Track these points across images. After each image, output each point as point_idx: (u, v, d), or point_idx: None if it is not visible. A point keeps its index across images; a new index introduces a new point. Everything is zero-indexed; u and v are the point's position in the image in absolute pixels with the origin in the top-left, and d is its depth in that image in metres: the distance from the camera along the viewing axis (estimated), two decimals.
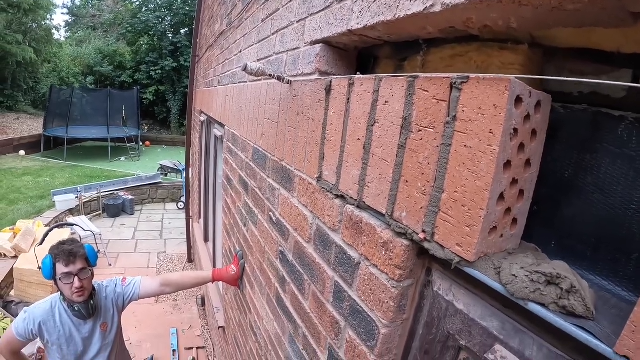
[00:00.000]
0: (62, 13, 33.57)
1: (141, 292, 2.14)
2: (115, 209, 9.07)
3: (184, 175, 9.94)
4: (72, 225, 2.25)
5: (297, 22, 1.20)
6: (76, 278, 1.86)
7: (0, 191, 9.55)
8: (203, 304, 5.10)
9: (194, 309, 5.26)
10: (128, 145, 15.85)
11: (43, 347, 2.15)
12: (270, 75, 1.15)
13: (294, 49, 1.22)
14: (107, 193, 9.39)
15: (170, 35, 20.99)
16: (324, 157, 0.96)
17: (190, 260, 6.61)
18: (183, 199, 9.68)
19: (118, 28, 24.64)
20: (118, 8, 26.88)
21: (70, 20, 31.73)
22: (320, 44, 1.04)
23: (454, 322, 0.68)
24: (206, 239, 4.43)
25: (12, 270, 5.41)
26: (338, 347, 0.93)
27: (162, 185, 10.38)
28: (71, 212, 8.44)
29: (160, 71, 19.97)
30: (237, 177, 1.90)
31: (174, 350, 4.34)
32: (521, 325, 0.57)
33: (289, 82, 1.19)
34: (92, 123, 16.86)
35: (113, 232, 7.78)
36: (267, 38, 1.53)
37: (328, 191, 0.94)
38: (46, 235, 2.53)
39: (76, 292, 1.87)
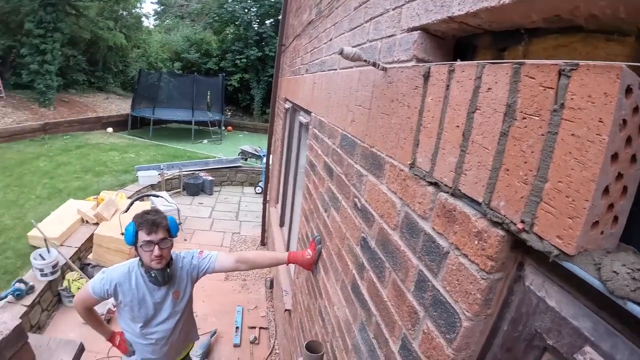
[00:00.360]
0: (152, 2, 35.75)
1: (216, 266, 2.24)
2: (194, 188, 9.51)
3: (264, 160, 10.25)
4: (157, 196, 2.41)
5: (393, 9, 1.20)
6: (156, 246, 1.97)
7: (88, 163, 10.31)
8: (271, 286, 5.23)
9: (261, 290, 5.43)
10: (211, 129, 16.54)
11: (113, 309, 2.31)
12: (365, 60, 1.17)
13: (389, 36, 1.22)
14: (188, 172, 9.89)
15: (255, 25, 21.53)
16: (418, 144, 0.96)
17: (263, 243, 6.80)
18: (261, 183, 9.95)
19: (205, 17, 25.58)
20: None
21: (159, 9, 33.63)
22: (418, 31, 1.03)
23: (543, 319, 0.66)
24: (282, 224, 4.55)
25: (92, 235, 5.82)
26: (413, 337, 0.93)
27: (241, 169, 10.72)
28: (153, 187, 8.96)
29: (245, 60, 20.60)
30: (322, 163, 1.94)
31: (237, 327, 4.50)
32: (614, 327, 0.55)
33: (384, 69, 1.20)
34: (178, 106, 17.81)
35: (191, 210, 8.15)
36: (359, 26, 1.54)
37: (421, 178, 0.94)
38: (131, 204, 2.70)
39: (155, 260, 1.99)
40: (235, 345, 4.28)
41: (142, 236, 1.97)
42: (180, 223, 2.11)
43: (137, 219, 2.02)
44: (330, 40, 2.06)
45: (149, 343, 2.23)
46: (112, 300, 2.13)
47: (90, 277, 5.15)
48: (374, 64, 1.18)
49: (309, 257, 2.02)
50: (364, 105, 1.37)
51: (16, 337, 1.65)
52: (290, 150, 4.16)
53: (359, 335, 1.31)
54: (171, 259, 2.13)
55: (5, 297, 4.22)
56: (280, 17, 20.04)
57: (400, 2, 1.14)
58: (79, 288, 4.77)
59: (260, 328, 4.57)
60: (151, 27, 28.47)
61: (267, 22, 21.72)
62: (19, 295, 4.24)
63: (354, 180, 1.44)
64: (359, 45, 1.52)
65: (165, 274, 2.08)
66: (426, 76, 0.93)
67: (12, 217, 6.55)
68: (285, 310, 3.10)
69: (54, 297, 4.80)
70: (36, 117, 13.65)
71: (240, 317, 4.70)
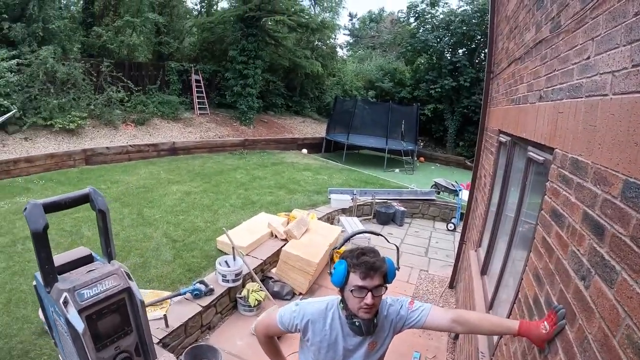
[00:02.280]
0: (344, 34, 38.45)
1: (427, 322, 1.89)
2: (385, 217, 9.46)
3: (460, 196, 9.70)
4: (377, 234, 2.26)
5: None
6: (369, 294, 1.72)
7: (282, 180, 11.04)
8: (456, 337, 4.79)
9: (443, 338, 5.02)
10: (404, 158, 16.62)
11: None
12: None
13: None
14: (380, 200, 9.83)
15: (448, 54, 21.29)
16: None
17: (451, 286, 6.34)
18: (454, 220, 9.45)
19: (397, 47, 26.43)
20: (396, 29, 28.80)
21: (351, 41, 35.88)
22: None
23: None
24: (483, 272, 4.04)
25: (278, 250, 6.03)
26: None
27: (435, 202, 10.42)
28: (344, 211, 9.12)
29: (439, 89, 20.42)
30: (579, 215, 1.50)
31: None
32: None
33: None
34: (371, 133, 18.49)
35: (379, 239, 8.24)
36: None
37: None
38: (346, 240, 2.55)
39: (364, 309, 1.75)
40: None
41: (355, 280, 1.74)
42: (398, 268, 1.85)
43: (352, 259, 1.79)
44: (589, 58, 1.63)
45: None
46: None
47: (270, 291, 5.37)
48: None
49: (544, 332, 1.55)
50: None
51: None
52: (504, 189, 3.68)
53: None
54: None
55: (184, 293, 4.61)
56: (473, 46, 19.53)
57: None
58: (257, 299, 5.00)
59: None
60: (344, 57, 30.40)
61: (460, 50, 21.29)
62: (197, 295, 4.61)
63: None
64: None
65: (372, 325, 1.83)
66: None
67: (205, 220, 7.28)
68: None
69: (230, 303, 5.09)
70: (237, 134, 15.68)
71: None
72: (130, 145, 11.67)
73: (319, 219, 7.78)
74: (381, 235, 2.60)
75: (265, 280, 5.67)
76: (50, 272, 1.70)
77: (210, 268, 5.45)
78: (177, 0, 17.49)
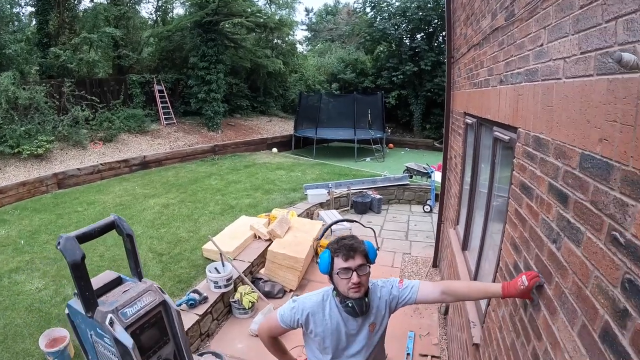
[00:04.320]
0: (302, 30, 38.72)
1: (418, 297, 2.06)
2: (363, 206, 9.66)
3: (433, 178, 9.98)
4: (352, 221, 2.44)
5: None
6: (354, 273, 1.87)
7: (257, 182, 11.11)
8: (446, 312, 4.97)
9: (434, 315, 5.22)
10: (374, 146, 16.82)
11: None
12: None
13: None
14: (356, 190, 10.03)
15: (407, 41, 21.61)
16: None
17: (434, 265, 6.56)
18: (430, 202, 9.72)
19: (356, 38, 26.61)
20: (353, 20, 28.99)
21: (310, 35, 36.01)
22: None
23: None
24: (464, 247, 4.26)
25: (264, 251, 6.17)
26: None
27: (409, 187, 10.63)
28: (321, 205, 9.30)
29: (401, 76, 20.67)
30: (545, 187, 1.69)
31: (407, 354, 4.36)
32: None
33: None
34: (339, 125, 18.74)
35: (359, 229, 8.47)
36: (595, 27, 1.30)
37: None
38: (326, 230, 2.69)
39: (353, 288, 1.89)
40: None
41: (339, 263, 1.91)
42: (378, 249, 2.02)
43: (333, 245, 1.96)
44: (542, 45, 1.82)
45: None
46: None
47: (261, 291, 5.49)
48: None
49: (523, 287, 1.70)
50: (623, 121, 1.12)
51: None
52: (475, 168, 3.88)
53: None
54: (368, 288, 2.03)
55: (179, 305, 4.64)
56: (431, 30, 19.80)
57: None
58: (250, 301, 5.11)
59: (433, 357, 4.39)
60: (304, 52, 30.47)
61: (418, 35, 21.62)
62: (192, 305, 4.68)
63: (610, 210, 1.19)
64: (598, 49, 1.28)
65: (363, 304, 1.97)
66: None
67: (187, 230, 7.29)
68: (473, 344, 2.82)
69: (225, 308, 5.18)
70: (205, 140, 15.67)
71: (411, 343, 4.57)
72: (101, 164, 11.54)
73: (299, 215, 7.93)
74: (356, 222, 2.77)
75: (255, 281, 5.77)
76: (91, 298, 1.83)
77: (200, 277, 5.50)
78: (132, 12, 17.34)
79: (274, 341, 2.27)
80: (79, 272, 1.72)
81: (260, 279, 5.87)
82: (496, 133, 2.75)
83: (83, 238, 1.79)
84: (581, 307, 1.33)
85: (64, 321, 4.38)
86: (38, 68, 13.00)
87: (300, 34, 42.03)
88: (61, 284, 5.24)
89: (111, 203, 9.09)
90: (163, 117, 15.90)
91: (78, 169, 10.88)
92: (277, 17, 19.99)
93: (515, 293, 1.76)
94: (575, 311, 1.37)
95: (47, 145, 10.83)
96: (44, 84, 12.05)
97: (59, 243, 1.69)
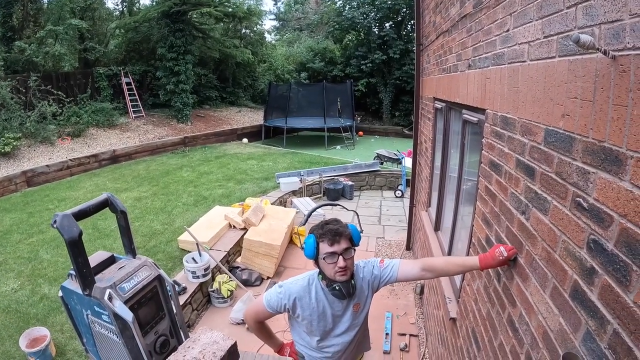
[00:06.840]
0: (270, 19, 38.38)
1: (399, 276, 2.11)
2: (335, 193, 9.78)
3: (403, 164, 10.17)
4: (335, 205, 2.53)
5: None
6: (340, 257, 1.91)
7: (229, 172, 11.13)
8: (421, 292, 5.13)
9: (410, 296, 5.37)
10: (344, 134, 16.93)
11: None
12: (597, 49, 1.07)
13: (612, 22, 1.10)
14: (327, 178, 10.17)
15: (376, 29, 21.71)
16: None
17: (408, 248, 6.76)
18: (401, 187, 9.91)
19: (325, 27, 26.53)
20: (322, 9, 28.88)
21: (278, 25, 35.71)
22: None
23: None
24: (437, 228, 4.41)
25: (239, 240, 6.23)
26: None
27: (380, 173, 10.81)
28: (294, 193, 9.41)
29: (370, 64, 20.84)
30: (513, 162, 1.81)
31: (386, 334, 4.47)
32: None
33: (613, 57, 1.08)
34: (309, 114, 18.72)
35: (333, 215, 8.57)
36: (557, 12, 1.41)
37: None
38: (309, 215, 2.73)
39: (339, 272, 1.94)
40: (385, 352, 4.26)
41: (325, 248, 1.94)
42: (361, 231, 2.08)
43: (317, 230, 1.99)
44: (508, 31, 1.93)
45: (324, 356, 2.22)
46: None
47: (239, 279, 5.55)
48: (604, 52, 1.07)
49: (502, 257, 1.77)
50: (583, 97, 1.24)
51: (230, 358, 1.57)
52: (445, 150, 4.02)
53: (582, 345, 1.18)
54: (353, 270, 2.08)
55: None
56: (399, 19, 19.85)
57: None
58: (229, 290, 5.16)
59: (410, 335, 4.52)
60: (273, 42, 30.24)
61: (387, 24, 21.78)
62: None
63: (573, 178, 1.31)
64: (560, 33, 1.39)
65: (350, 286, 2.02)
66: None
67: (162, 222, 7.28)
68: (450, 318, 2.95)
69: (204, 298, 5.22)
70: (175, 132, 15.51)
71: (389, 323, 4.68)
72: (70, 160, 11.24)
73: (272, 203, 7.98)
74: (338, 205, 2.84)
75: (232, 270, 5.81)
76: (89, 275, 1.85)
77: (177, 268, 5.50)
78: (97, 3, 16.84)
79: (260, 325, 2.31)
80: (77, 249, 1.73)
81: (238, 267, 5.91)
82: (465, 115, 2.88)
83: (79, 215, 1.81)
84: (551, 271, 1.45)
85: (42, 320, 4.35)
86: (2, 63, 12.49)
87: (268, 23, 41.57)
88: (37, 284, 5.14)
89: (83, 199, 8.85)
90: (132, 110, 15.61)
91: (47, 165, 10.57)
92: (245, 7, 19.77)
93: (493, 263, 1.83)
94: (545, 275, 1.49)
95: (14, 143, 10.56)
96: (9, 79, 11.66)
97: (54, 221, 1.70)
